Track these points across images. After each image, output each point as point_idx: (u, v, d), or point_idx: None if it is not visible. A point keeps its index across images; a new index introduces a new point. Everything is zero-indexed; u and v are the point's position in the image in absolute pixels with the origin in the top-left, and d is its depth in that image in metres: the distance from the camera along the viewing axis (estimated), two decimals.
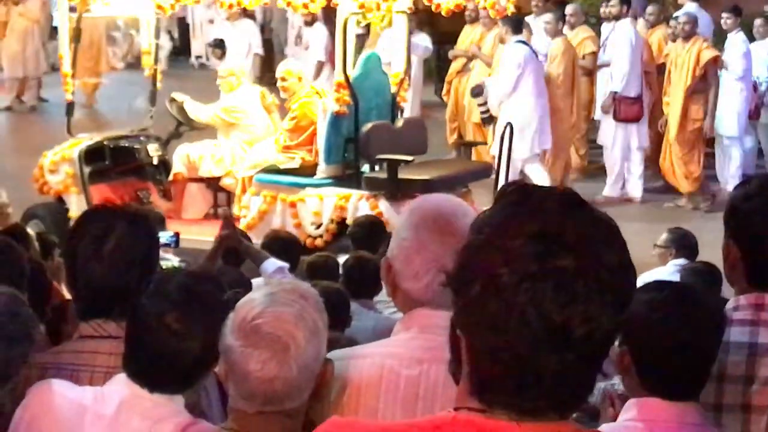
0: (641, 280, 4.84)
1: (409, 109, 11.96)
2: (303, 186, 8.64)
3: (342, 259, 6.23)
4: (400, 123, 9.01)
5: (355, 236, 7.44)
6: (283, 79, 9.08)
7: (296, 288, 2.31)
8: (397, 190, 8.30)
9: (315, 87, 9.08)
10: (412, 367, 2.27)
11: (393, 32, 11.69)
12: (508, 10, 8.73)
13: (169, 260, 6.91)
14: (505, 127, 9.25)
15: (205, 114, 9.53)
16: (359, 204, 8.39)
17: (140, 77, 10.49)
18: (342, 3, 8.25)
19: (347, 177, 8.61)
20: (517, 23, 10.99)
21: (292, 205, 8.60)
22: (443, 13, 8.85)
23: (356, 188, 8.47)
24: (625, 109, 11.73)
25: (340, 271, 6.04)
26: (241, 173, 9.06)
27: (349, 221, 8.40)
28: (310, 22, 15.23)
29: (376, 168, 8.65)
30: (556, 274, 1.44)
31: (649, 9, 12.67)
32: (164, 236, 6.67)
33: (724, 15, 11.73)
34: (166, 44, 17.88)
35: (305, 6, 8.48)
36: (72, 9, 9.48)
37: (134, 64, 15.38)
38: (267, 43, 17.77)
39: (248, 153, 9.22)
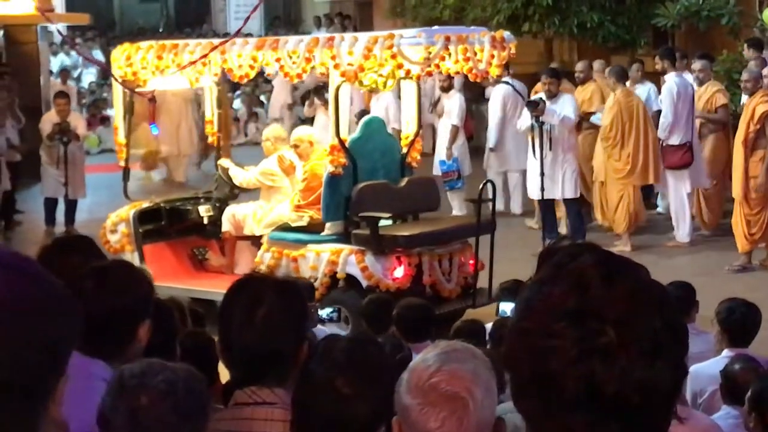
0: None
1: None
2: (306, 243, 9.28)
3: (489, 324, 6.46)
4: (403, 182, 9.47)
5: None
6: (296, 146, 9.75)
7: (467, 347, 2.35)
8: (380, 245, 8.81)
9: (327, 149, 9.65)
10: None
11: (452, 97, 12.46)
12: (492, 73, 9.05)
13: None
14: (485, 184, 9.55)
15: (246, 178, 10.33)
16: (348, 258, 8.95)
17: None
18: (331, 73, 8.90)
19: (349, 234, 9.18)
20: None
21: (294, 260, 9.26)
22: (443, 73, 9.30)
23: (351, 244, 9.03)
24: (669, 157, 11.94)
25: (487, 336, 6.20)
26: (258, 231, 9.80)
27: (339, 275, 8.98)
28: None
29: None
30: (601, 352, 1.45)
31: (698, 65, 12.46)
32: (325, 312, 7.22)
33: None
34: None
35: (299, 77, 9.16)
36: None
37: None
38: None
39: (270, 213, 9.94)
